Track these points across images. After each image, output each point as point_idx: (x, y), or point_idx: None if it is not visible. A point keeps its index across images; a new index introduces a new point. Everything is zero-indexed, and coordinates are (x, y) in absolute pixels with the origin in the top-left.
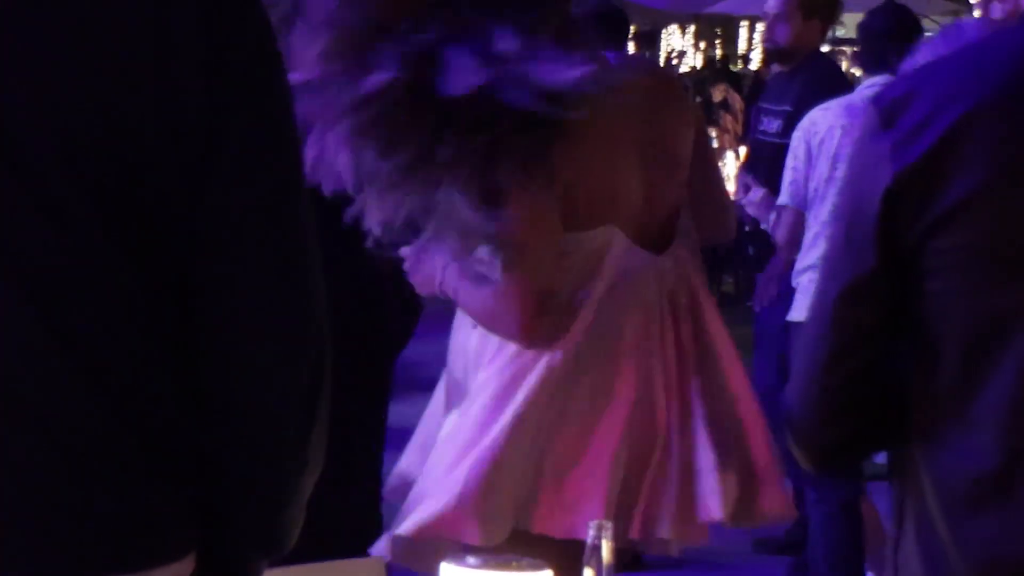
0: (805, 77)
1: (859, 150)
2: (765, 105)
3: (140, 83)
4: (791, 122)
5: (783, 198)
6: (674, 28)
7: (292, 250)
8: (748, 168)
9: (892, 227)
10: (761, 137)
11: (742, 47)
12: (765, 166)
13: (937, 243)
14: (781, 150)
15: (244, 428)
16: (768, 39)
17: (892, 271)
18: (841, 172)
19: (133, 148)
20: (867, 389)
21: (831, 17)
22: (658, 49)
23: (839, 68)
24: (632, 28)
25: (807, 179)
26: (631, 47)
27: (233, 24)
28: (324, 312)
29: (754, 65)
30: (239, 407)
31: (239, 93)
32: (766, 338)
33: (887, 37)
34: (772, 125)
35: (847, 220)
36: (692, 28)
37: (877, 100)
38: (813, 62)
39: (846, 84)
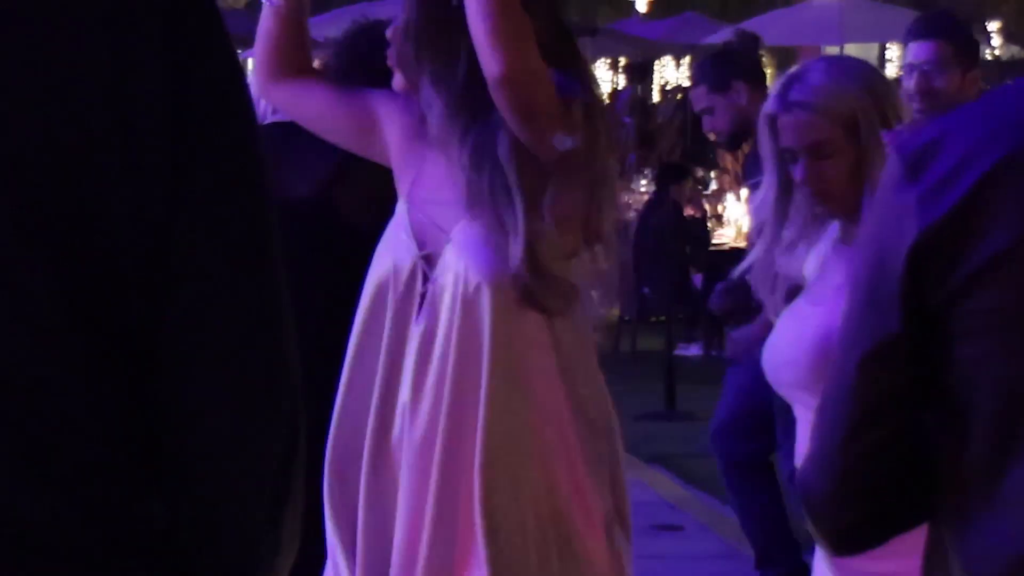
0: None
1: (882, 203)
2: (751, 181)
3: (95, 118)
4: None
5: None
6: (668, 60)
7: (264, 310)
8: None
9: (918, 287)
10: None
11: None
12: None
13: (967, 305)
14: None
15: (211, 506)
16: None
17: (918, 335)
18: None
19: (85, 189)
20: (891, 464)
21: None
22: (651, 82)
23: None
24: (623, 60)
25: None
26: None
27: (198, 48)
28: (298, 377)
29: None
30: (206, 483)
31: (205, 128)
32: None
33: None
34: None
35: (869, 279)
36: (687, 60)
37: (901, 149)
38: None
39: None
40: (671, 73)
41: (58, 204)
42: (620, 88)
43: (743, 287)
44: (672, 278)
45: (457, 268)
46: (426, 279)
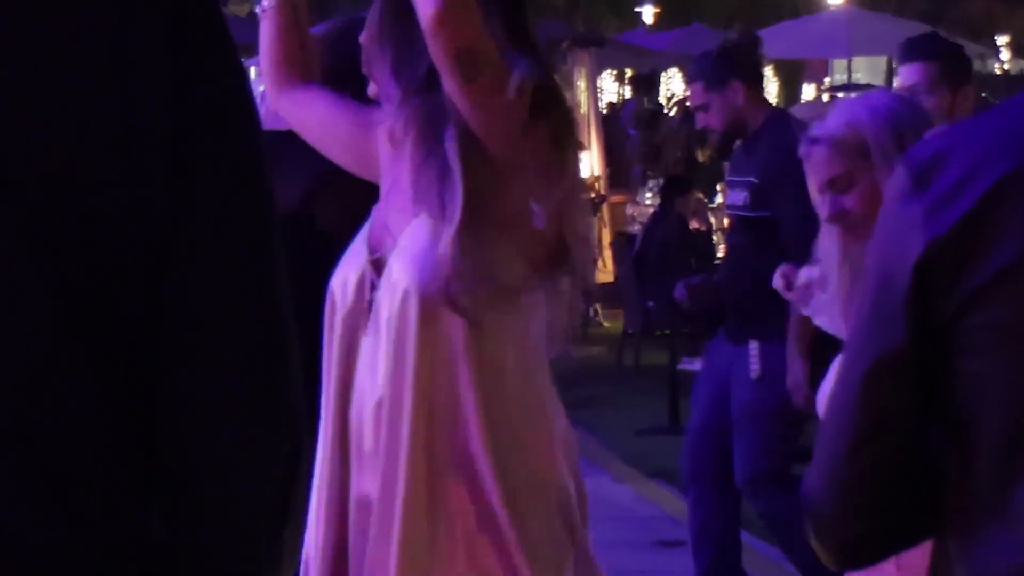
0: (769, 141)
1: (889, 215)
2: (730, 177)
3: (95, 121)
4: (759, 194)
5: None
6: (674, 72)
7: (268, 318)
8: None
9: (924, 300)
10: (729, 211)
11: None
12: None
13: (973, 319)
14: (749, 224)
15: (211, 520)
16: None
17: (924, 348)
18: None
19: (85, 193)
20: (896, 477)
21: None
22: (657, 94)
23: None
24: (629, 71)
25: None
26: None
27: (201, 50)
28: (301, 388)
29: None
30: (205, 496)
31: (208, 130)
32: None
33: None
34: (738, 198)
35: (875, 292)
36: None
37: (908, 160)
38: (773, 124)
39: None
40: (677, 85)
41: (58, 207)
42: (626, 100)
43: (714, 289)
44: None
45: (393, 274)
46: (374, 287)
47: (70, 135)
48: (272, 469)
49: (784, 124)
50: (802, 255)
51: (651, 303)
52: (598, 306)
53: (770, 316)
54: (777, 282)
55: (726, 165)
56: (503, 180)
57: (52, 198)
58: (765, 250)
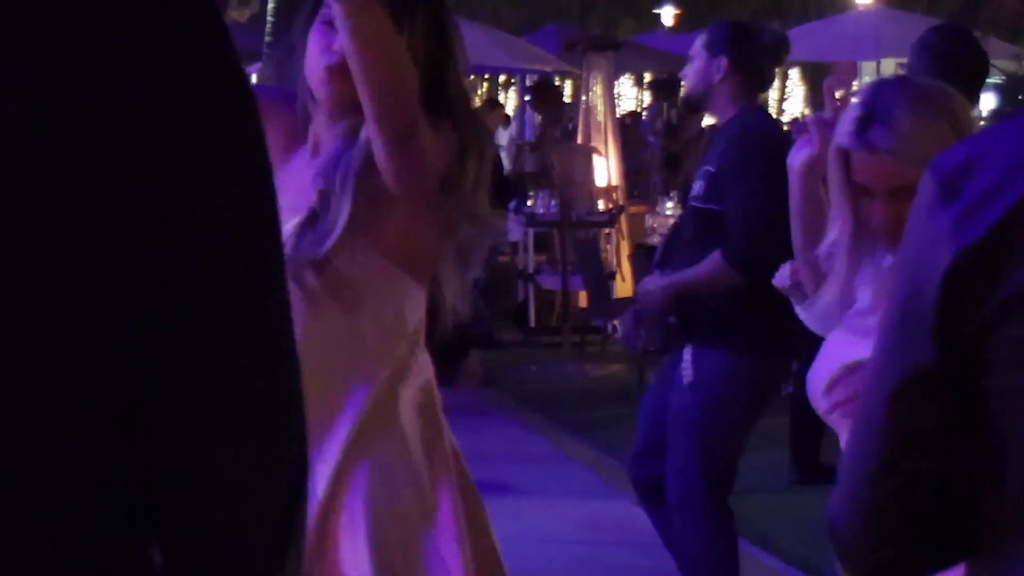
0: (731, 132)
1: (916, 225)
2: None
3: (88, 135)
4: (712, 185)
5: None
6: None
7: (269, 339)
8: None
9: (953, 314)
10: (689, 202)
11: (773, 95)
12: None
13: (1003, 333)
14: (699, 215)
15: (209, 547)
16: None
17: (953, 364)
18: None
19: (75, 209)
20: (926, 499)
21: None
22: (677, 99)
23: (768, 121)
24: (648, 75)
25: None
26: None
27: (199, 60)
28: (303, 414)
29: (788, 116)
30: (203, 523)
31: (207, 151)
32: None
33: None
34: (697, 188)
35: (902, 305)
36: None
37: (935, 168)
38: (741, 116)
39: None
40: None
41: (46, 219)
42: (644, 105)
43: (665, 325)
44: None
45: None
46: None
47: (60, 151)
48: (274, 493)
49: (754, 118)
50: (739, 253)
51: (672, 319)
52: (616, 322)
53: (707, 318)
54: (782, 278)
55: None
56: (397, 211)
57: (41, 208)
58: (707, 247)
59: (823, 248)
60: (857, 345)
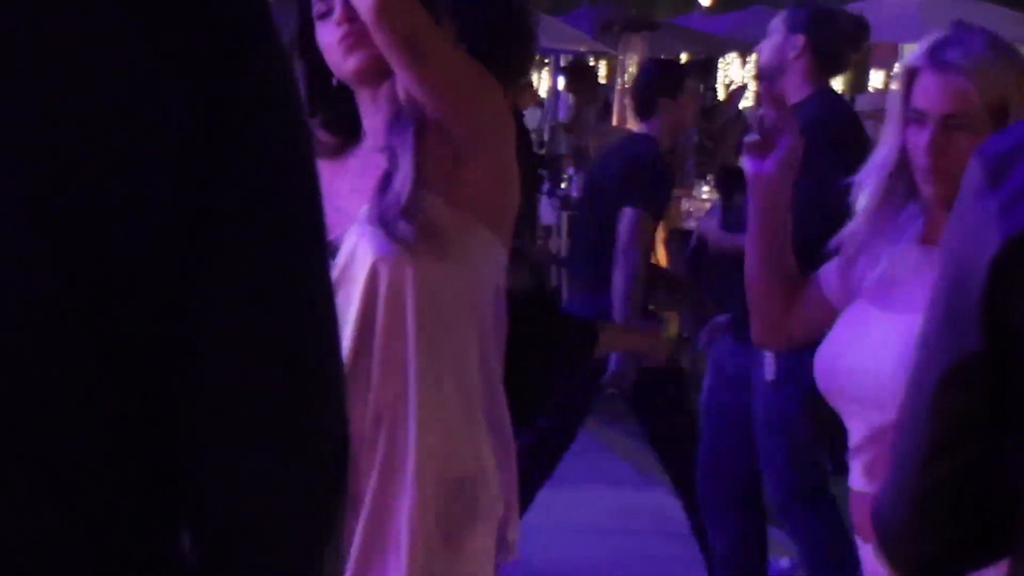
0: (805, 115)
1: (963, 210)
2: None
3: (117, 129)
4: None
5: None
6: (733, 57)
7: (303, 338)
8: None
9: (1000, 301)
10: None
11: None
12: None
13: None
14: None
15: (244, 545)
16: None
17: (1000, 353)
18: None
19: (104, 208)
20: (973, 491)
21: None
22: (714, 80)
23: (843, 106)
24: (684, 56)
25: None
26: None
27: (234, 50)
28: (342, 407)
29: None
30: (237, 519)
31: (243, 131)
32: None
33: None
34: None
35: (948, 293)
36: (754, 57)
37: (981, 153)
38: (816, 99)
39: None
40: (736, 72)
41: (76, 200)
42: None
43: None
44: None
45: (353, 248)
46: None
47: (87, 145)
48: (305, 488)
49: (828, 104)
50: (806, 233)
51: (722, 319)
52: (652, 307)
53: None
54: None
55: None
56: (467, 159)
57: (72, 191)
58: None
59: (859, 176)
60: (899, 321)
